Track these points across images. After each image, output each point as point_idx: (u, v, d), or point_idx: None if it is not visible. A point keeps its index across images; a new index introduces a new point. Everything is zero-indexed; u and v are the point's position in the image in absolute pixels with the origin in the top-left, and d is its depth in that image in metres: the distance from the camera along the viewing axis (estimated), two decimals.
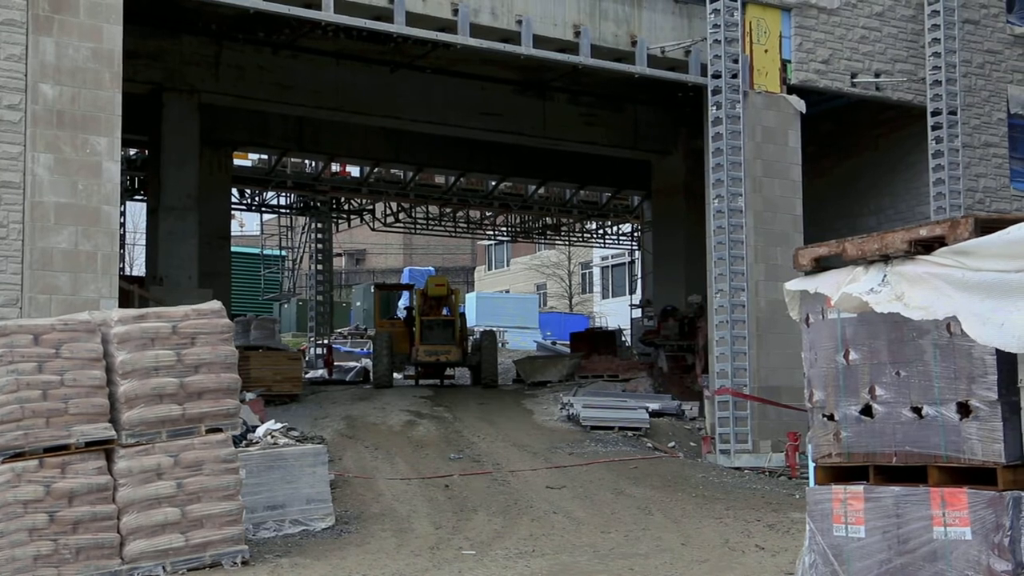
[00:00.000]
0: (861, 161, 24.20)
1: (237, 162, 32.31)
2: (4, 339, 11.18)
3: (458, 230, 43.90)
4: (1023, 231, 5.77)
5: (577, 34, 19.77)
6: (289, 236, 41.40)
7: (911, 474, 6.28)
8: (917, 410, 6.24)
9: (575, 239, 47.73)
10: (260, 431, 15.31)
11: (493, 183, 37.28)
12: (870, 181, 23.98)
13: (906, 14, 22.53)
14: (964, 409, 6.02)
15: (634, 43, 20.29)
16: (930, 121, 22.25)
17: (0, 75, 15.08)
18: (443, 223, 42.23)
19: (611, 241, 47.51)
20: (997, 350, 5.85)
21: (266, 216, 43.41)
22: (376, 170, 35.27)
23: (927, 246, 6.16)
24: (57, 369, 11.20)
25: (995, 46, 23.79)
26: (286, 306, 46.00)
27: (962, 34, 22.55)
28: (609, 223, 44.22)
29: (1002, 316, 5.77)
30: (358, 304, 51.07)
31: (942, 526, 6.04)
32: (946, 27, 22.21)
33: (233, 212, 35.86)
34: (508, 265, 67.02)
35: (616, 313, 50.30)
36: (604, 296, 59.76)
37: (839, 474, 6.72)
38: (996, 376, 5.89)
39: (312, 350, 36.75)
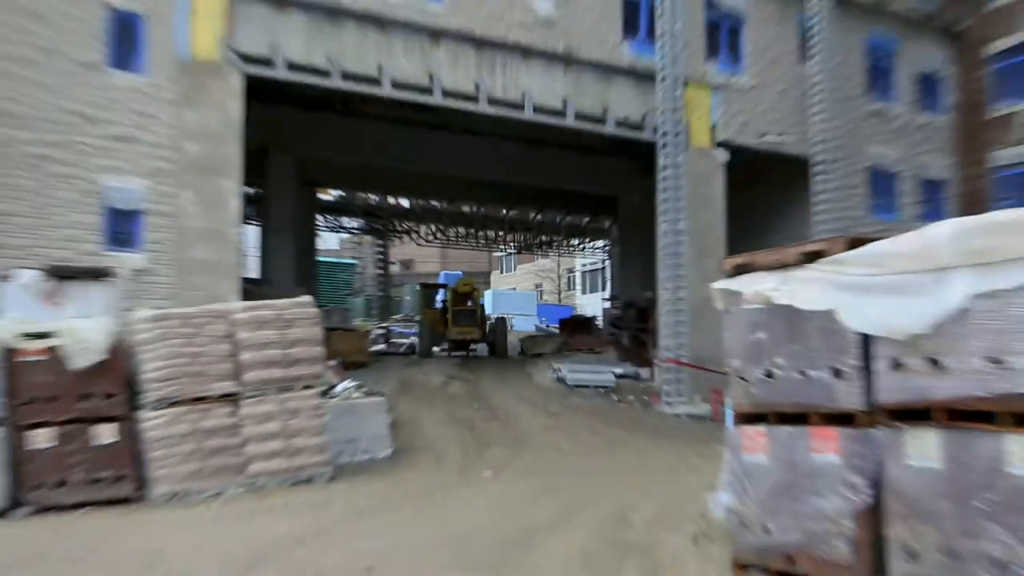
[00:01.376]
0: (766, 196, 24.25)
1: (322, 196, 32.45)
2: (163, 322, 11.34)
3: (479, 245, 43.99)
4: (878, 247, 5.86)
5: (565, 103, 19.84)
6: (359, 249, 41.55)
7: (799, 418, 6.34)
8: (804, 373, 6.30)
9: (563, 251, 47.83)
10: (339, 388, 15.40)
11: (504, 211, 37.41)
12: (773, 210, 24.04)
13: (797, 94, 22.61)
14: (836, 372, 6.09)
15: (605, 110, 20.37)
16: (814, 169, 22.39)
17: (161, 138, 15.31)
18: (468, 239, 42.35)
19: (589, 252, 47.55)
20: (860, 331, 5.95)
21: (342, 235, 43.52)
22: (420, 202, 35.43)
23: (812, 257, 6.22)
24: (199, 343, 11.38)
25: (858, 116, 23.89)
26: (357, 299, 46.19)
27: (835, 108, 22.63)
28: (587, 239, 44.29)
29: (866, 310, 5.86)
30: (407, 298, 50.88)
31: (819, 454, 6.12)
32: (824, 103, 22.34)
33: (318, 232, 36.03)
34: (515, 270, 67.06)
35: (592, 304, 50.34)
36: (583, 292, 59.79)
37: (749, 418, 6.77)
38: (858, 350, 5.96)
39: (375, 331, 36.89)
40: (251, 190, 29.48)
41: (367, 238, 42.13)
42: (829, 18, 22.35)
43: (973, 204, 24.25)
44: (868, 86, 24.24)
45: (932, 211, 24.27)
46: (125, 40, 15.31)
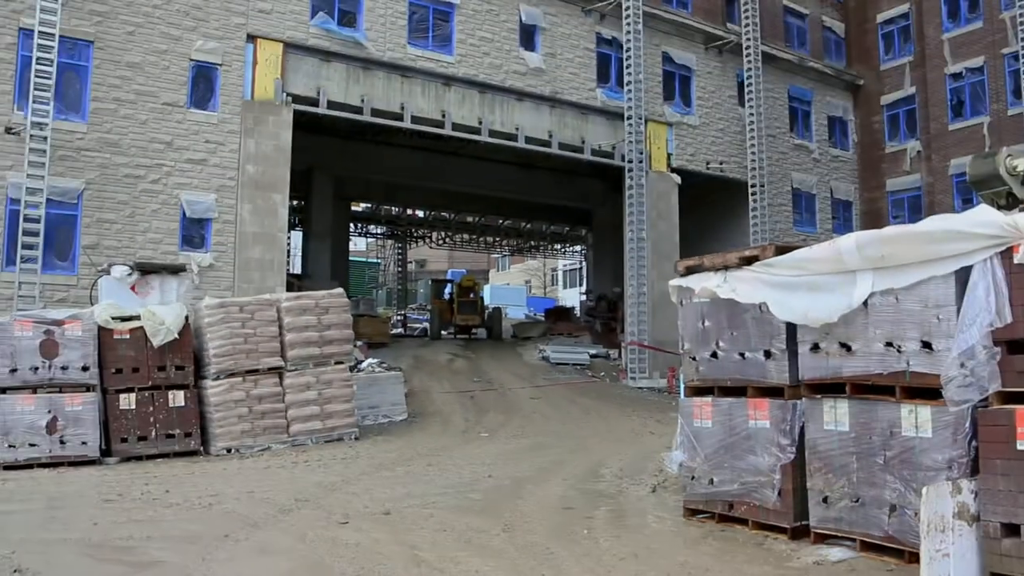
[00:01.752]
0: (712, 210, 24.23)
1: (354, 208, 32.27)
2: (223, 309, 11.32)
3: (480, 248, 43.83)
4: (800, 253, 5.89)
5: (550, 135, 19.86)
6: (382, 251, 41.40)
7: (738, 391, 6.37)
8: (742, 355, 6.32)
9: (547, 254, 47.74)
10: (365, 364, 15.47)
11: (500, 221, 37.28)
12: (717, 222, 24.06)
13: (736, 130, 22.76)
14: (767, 354, 6.11)
15: (583, 141, 20.38)
16: (749, 190, 22.41)
17: (226, 161, 15.28)
18: (471, 244, 42.21)
19: (569, 255, 47.46)
20: (786, 320, 5.96)
21: (369, 239, 43.39)
22: (433, 213, 35.28)
23: (748, 261, 6.25)
24: (252, 326, 11.38)
25: (784, 149, 24.10)
26: (380, 292, 46.05)
27: (766, 142, 22.79)
28: (568, 244, 44.22)
29: (790, 303, 5.87)
30: (421, 291, 50.75)
31: (754, 420, 6.15)
32: (758, 138, 22.43)
33: (350, 237, 35.87)
34: (508, 268, 66.74)
35: (571, 297, 50.22)
36: (564, 287, 59.63)
37: (698, 391, 6.80)
38: (785, 335, 5.99)
39: (395, 317, 36.75)
40: (296, 202, 29.45)
41: (389, 242, 42.06)
42: (759, 72, 22.54)
43: (873, 220, 24.52)
44: (791, 126, 24.61)
45: (842, 225, 24.68)
46: (202, 85, 15.36)
